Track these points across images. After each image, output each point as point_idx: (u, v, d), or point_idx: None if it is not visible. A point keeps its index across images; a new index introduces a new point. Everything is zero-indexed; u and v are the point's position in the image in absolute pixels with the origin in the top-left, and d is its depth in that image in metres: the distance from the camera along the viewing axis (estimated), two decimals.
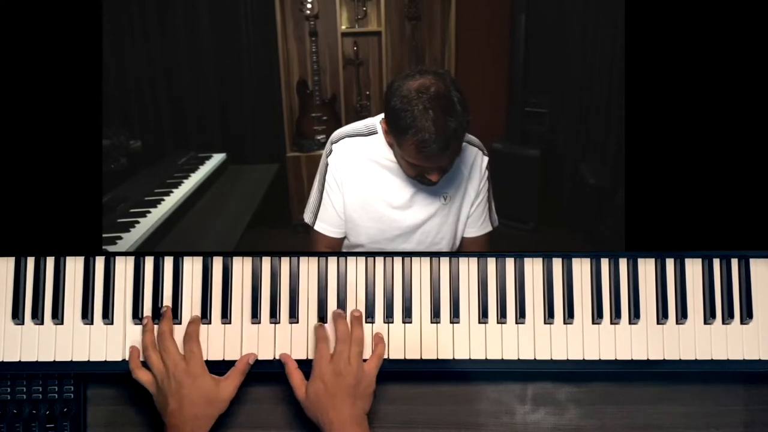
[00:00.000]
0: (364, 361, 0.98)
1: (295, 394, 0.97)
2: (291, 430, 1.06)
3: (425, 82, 0.99)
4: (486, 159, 1.15)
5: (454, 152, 1.03)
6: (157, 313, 1.01)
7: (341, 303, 1.02)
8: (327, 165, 1.14)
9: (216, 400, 0.96)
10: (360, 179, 1.12)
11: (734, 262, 1.05)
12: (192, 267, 1.03)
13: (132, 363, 0.99)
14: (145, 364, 0.99)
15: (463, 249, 1.16)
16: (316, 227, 1.16)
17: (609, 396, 1.09)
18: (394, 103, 1.00)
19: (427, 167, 1.03)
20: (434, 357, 1.02)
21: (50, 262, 1.02)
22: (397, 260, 1.04)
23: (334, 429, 0.92)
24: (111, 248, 1.07)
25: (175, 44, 1.45)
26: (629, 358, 1.02)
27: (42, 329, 1.01)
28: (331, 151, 1.13)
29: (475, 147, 1.15)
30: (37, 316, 1.01)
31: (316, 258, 1.04)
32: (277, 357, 1.01)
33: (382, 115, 1.09)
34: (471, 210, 1.15)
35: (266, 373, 1.02)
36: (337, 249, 1.16)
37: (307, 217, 1.17)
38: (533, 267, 1.04)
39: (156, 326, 1.00)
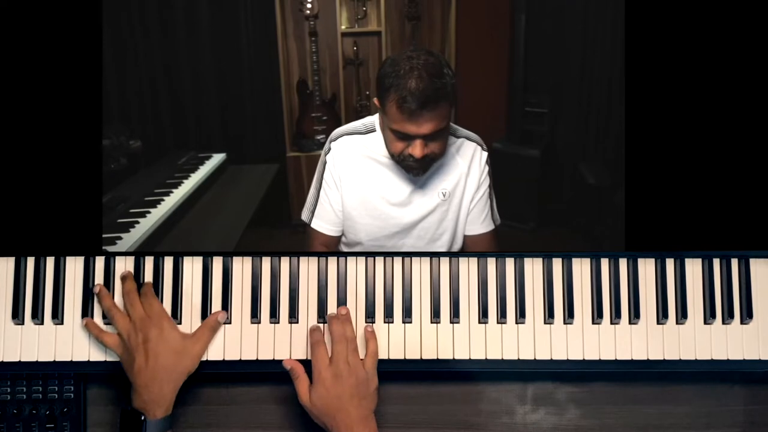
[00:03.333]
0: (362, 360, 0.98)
1: (300, 400, 0.96)
2: (291, 430, 1.07)
3: (417, 53, 1.03)
4: (485, 154, 1.16)
5: (436, 119, 1.01)
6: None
7: (341, 303, 1.02)
8: (325, 163, 1.14)
9: (184, 353, 0.95)
10: (358, 176, 1.13)
11: (734, 262, 1.05)
12: (192, 267, 1.03)
13: (94, 330, 0.99)
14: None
15: (466, 248, 1.16)
16: (313, 225, 1.16)
17: (609, 396, 1.09)
18: (384, 70, 1.03)
19: (410, 133, 1.02)
20: (434, 357, 1.02)
21: (50, 262, 1.02)
22: (397, 260, 1.04)
23: (341, 431, 0.92)
24: (111, 248, 1.07)
25: (175, 44, 1.45)
26: (629, 358, 1.02)
27: (42, 329, 1.01)
28: (329, 149, 1.14)
29: (474, 142, 1.15)
30: (37, 316, 1.01)
31: (316, 258, 1.04)
32: (277, 357, 1.01)
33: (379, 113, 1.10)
34: (471, 205, 1.15)
35: (266, 373, 1.02)
36: (333, 247, 1.17)
37: (305, 214, 1.17)
38: (533, 267, 1.04)
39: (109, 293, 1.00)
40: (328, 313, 1.01)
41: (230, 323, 1.02)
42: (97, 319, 1.01)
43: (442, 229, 1.14)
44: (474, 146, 1.15)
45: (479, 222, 1.17)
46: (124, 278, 1.00)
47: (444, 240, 1.15)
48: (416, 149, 1.04)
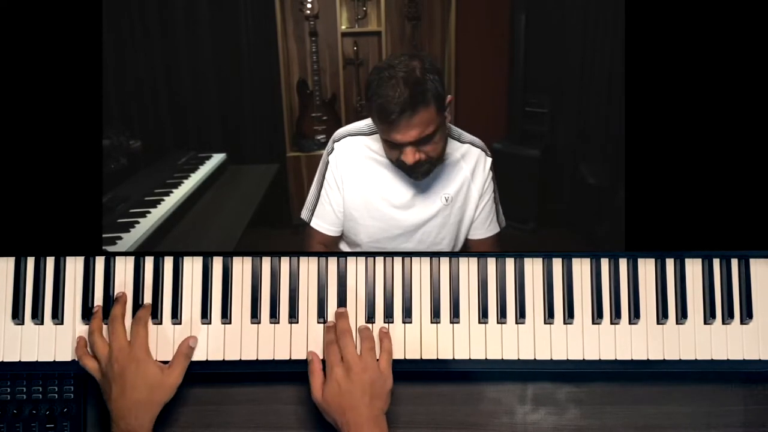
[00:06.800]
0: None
1: (313, 395, 0.96)
2: (291, 430, 1.07)
3: (400, 60, 1.02)
4: (489, 160, 1.15)
5: (418, 125, 1.00)
6: (158, 314, 1.01)
7: (341, 303, 1.02)
8: (327, 163, 1.14)
9: (160, 386, 0.95)
10: (361, 177, 1.13)
11: (734, 262, 1.05)
12: (192, 267, 1.03)
13: (79, 351, 0.98)
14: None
15: (470, 250, 1.16)
16: (312, 224, 1.16)
17: (609, 396, 1.09)
18: (368, 78, 1.03)
19: (397, 141, 1.02)
20: (434, 357, 1.02)
21: (50, 262, 1.02)
22: (397, 260, 1.04)
23: (351, 430, 0.91)
24: (111, 248, 1.07)
25: (175, 44, 1.45)
26: (629, 358, 1.02)
27: (42, 329, 1.01)
28: (332, 149, 1.14)
29: (478, 148, 1.15)
30: (37, 316, 1.01)
31: (316, 258, 1.04)
32: (277, 357, 1.01)
33: None
34: (476, 213, 1.15)
35: (266, 373, 1.02)
36: (331, 246, 1.17)
37: (304, 213, 1.17)
38: (533, 267, 1.04)
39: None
40: (337, 309, 1.01)
41: (230, 323, 1.02)
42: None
43: (443, 234, 1.14)
44: (479, 152, 1.15)
45: (484, 227, 1.17)
46: (117, 299, 1.00)
47: (445, 244, 1.15)
48: (407, 156, 1.03)
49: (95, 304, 1.01)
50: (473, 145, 1.14)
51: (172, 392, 0.96)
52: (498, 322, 1.02)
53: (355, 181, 1.13)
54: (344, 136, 1.14)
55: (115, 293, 1.01)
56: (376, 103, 1.00)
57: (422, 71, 1.00)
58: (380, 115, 1.00)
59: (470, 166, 1.14)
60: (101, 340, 0.97)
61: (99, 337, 0.97)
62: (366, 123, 1.14)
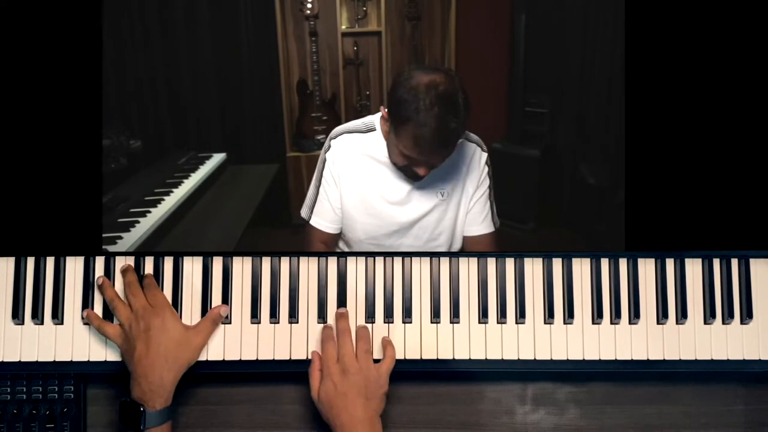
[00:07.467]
0: (377, 362, 0.98)
1: (312, 394, 0.96)
2: (291, 430, 1.07)
3: (436, 79, 1.01)
4: (485, 155, 1.16)
5: (448, 152, 1.04)
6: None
7: (341, 303, 1.02)
8: (325, 161, 1.14)
9: (185, 343, 0.96)
10: (357, 175, 1.13)
11: (734, 262, 1.05)
12: (192, 267, 1.03)
13: (95, 321, 0.99)
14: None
15: (466, 249, 1.16)
16: (312, 222, 1.16)
17: (609, 396, 1.09)
18: (401, 93, 1.02)
19: (419, 161, 1.04)
20: (434, 357, 1.02)
21: (50, 262, 1.02)
22: (397, 260, 1.04)
23: (345, 431, 0.91)
24: (111, 248, 1.07)
25: (175, 44, 1.44)
26: (629, 358, 1.02)
27: (42, 329, 1.01)
28: (329, 147, 1.15)
29: (474, 143, 1.15)
30: (37, 316, 1.01)
31: (316, 258, 1.04)
32: (277, 357, 1.01)
33: (380, 114, 1.10)
34: (471, 205, 1.15)
35: (266, 373, 1.02)
36: (331, 244, 1.17)
37: (304, 211, 1.17)
38: (533, 267, 1.04)
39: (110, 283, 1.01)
40: (337, 309, 1.01)
41: (230, 323, 1.02)
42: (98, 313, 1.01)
43: (440, 229, 1.14)
44: (474, 147, 1.15)
45: (479, 222, 1.17)
46: (124, 271, 1.01)
47: (442, 240, 1.15)
48: (421, 170, 1.06)
49: (98, 275, 1.01)
50: (468, 140, 1.15)
51: (196, 353, 0.97)
52: (498, 322, 1.02)
53: (351, 178, 1.13)
54: (341, 134, 1.15)
55: (120, 267, 1.02)
56: (417, 131, 1.00)
57: (456, 94, 1.00)
58: (417, 143, 1.01)
59: (466, 160, 1.14)
60: (122, 304, 0.98)
61: (119, 301, 0.98)
62: (362, 121, 1.15)
